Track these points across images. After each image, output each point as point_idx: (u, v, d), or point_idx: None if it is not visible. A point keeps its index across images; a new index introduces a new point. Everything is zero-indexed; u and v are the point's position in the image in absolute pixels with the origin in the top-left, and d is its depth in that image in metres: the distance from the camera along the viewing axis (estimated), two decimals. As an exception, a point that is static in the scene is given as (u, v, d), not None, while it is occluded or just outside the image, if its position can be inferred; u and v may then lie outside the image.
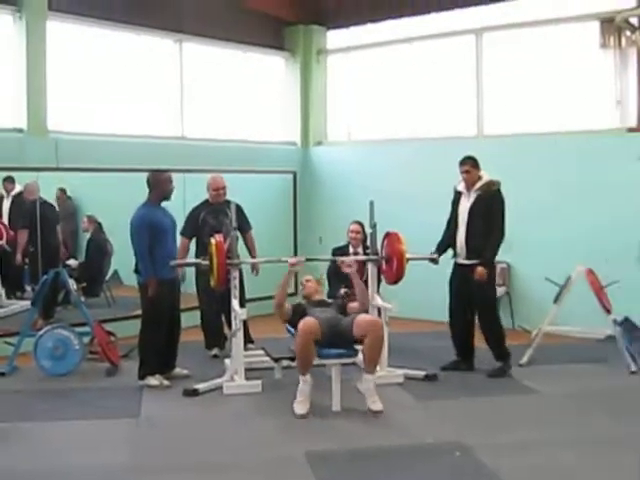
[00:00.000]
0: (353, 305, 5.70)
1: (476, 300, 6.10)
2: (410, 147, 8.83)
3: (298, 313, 5.57)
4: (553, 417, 5.18)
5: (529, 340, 6.60)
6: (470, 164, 6.11)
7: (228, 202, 6.63)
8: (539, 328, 6.58)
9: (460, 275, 6.16)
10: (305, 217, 9.40)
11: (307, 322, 5.16)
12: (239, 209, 6.69)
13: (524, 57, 8.17)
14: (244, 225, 6.89)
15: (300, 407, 5.16)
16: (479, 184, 6.10)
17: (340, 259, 6.10)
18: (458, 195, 6.25)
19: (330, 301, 5.92)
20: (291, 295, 8.56)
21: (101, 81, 7.86)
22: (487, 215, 6.02)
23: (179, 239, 6.67)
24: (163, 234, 5.81)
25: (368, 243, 6.53)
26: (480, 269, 5.97)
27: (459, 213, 6.19)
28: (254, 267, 6.79)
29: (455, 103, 8.68)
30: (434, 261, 6.21)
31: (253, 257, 6.84)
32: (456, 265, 6.25)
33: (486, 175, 6.13)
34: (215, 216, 6.73)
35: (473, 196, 6.10)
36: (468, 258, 6.11)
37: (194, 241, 6.83)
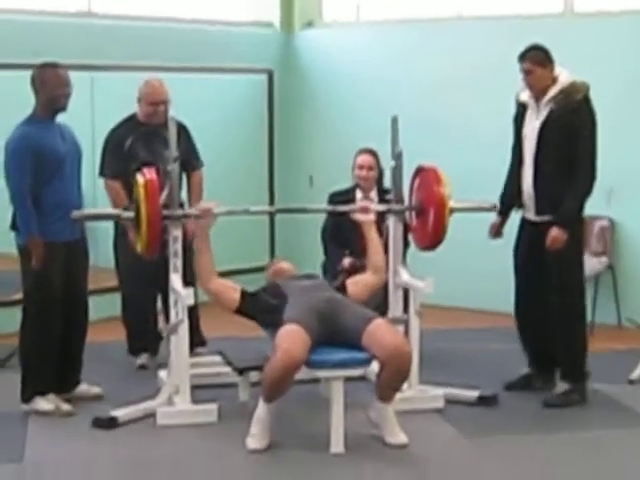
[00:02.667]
0: (358, 279, 5.83)
1: (550, 279, 6.10)
2: (457, 30, 8.79)
3: (266, 310, 5.63)
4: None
5: (643, 342, 6.67)
6: (532, 59, 5.96)
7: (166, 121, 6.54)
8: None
9: (530, 239, 6.16)
10: (287, 144, 9.42)
11: (292, 350, 5.16)
12: (183, 131, 6.68)
13: None
14: (191, 158, 6.87)
15: (254, 441, 5.28)
16: (553, 91, 6.01)
17: (359, 205, 6.14)
18: (522, 109, 6.17)
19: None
20: (261, 270, 8.58)
21: None
22: (566, 142, 5.96)
23: (101, 182, 6.71)
24: (57, 166, 5.75)
25: (387, 185, 6.52)
26: (556, 232, 5.91)
27: (524, 137, 6.14)
28: (187, 230, 6.49)
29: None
30: (497, 212, 6.26)
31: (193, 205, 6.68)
32: (524, 223, 6.25)
33: (565, 75, 6.00)
34: (148, 144, 6.66)
35: (544, 111, 6.03)
36: (539, 213, 6.09)
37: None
